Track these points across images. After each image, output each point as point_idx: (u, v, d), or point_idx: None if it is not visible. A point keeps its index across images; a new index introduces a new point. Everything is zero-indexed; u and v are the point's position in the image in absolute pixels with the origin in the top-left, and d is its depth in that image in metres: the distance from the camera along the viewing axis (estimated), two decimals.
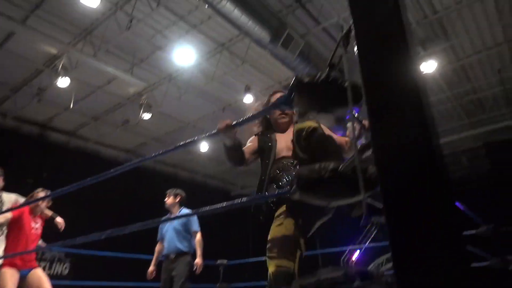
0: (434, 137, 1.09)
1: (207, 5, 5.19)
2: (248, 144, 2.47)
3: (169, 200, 4.96)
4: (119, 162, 10.60)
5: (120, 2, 6.31)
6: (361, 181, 1.25)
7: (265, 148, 2.36)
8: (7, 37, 6.82)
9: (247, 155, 2.38)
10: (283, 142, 2.35)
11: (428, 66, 7.40)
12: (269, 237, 2.01)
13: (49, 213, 4.45)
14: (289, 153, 2.28)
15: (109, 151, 10.91)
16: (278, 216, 2.05)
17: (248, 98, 7.94)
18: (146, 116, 8.75)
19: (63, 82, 7.37)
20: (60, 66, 7.22)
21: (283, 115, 2.46)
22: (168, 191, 5.04)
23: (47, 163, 9.24)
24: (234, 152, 2.25)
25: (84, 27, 6.82)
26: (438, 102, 9.65)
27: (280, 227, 1.98)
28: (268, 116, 2.55)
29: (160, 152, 2.15)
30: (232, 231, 11.57)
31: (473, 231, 4.25)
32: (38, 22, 6.54)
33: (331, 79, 1.72)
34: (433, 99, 9.42)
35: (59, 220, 4.41)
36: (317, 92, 1.71)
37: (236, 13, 5.25)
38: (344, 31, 1.79)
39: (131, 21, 6.33)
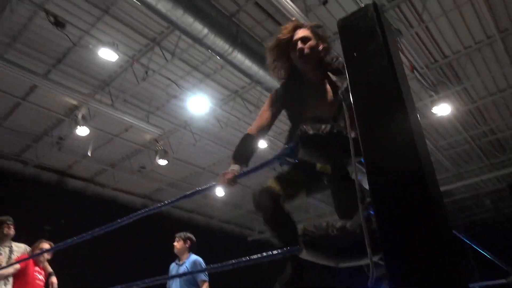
0: (432, 186, 1.08)
1: (218, 56, 5.39)
2: (263, 113, 2.12)
3: (178, 244, 4.60)
4: (136, 207, 10.64)
5: (136, 55, 6.62)
6: (369, 243, 1.21)
7: (288, 107, 2.09)
8: (30, 90, 7.18)
9: (262, 136, 2.14)
10: (314, 97, 2.01)
11: (442, 109, 7.35)
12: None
13: (48, 268, 4.45)
14: (321, 110, 1.96)
15: (126, 196, 11.00)
16: (291, 170, 2.12)
17: (262, 143, 7.99)
18: (162, 162, 8.86)
19: (82, 131, 7.60)
20: (80, 116, 7.49)
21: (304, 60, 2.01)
22: (177, 235, 4.67)
23: (65, 210, 9.34)
24: None
25: (103, 78, 7.14)
26: (456, 144, 9.51)
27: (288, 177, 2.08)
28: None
29: (177, 198, 2.13)
30: (249, 281, 11.21)
31: (503, 280, 3.98)
32: (60, 75, 6.88)
33: (336, 132, 1.73)
34: (450, 141, 9.29)
35: (53, 280, 4.39)
36: (322, 144, 1.72)
37: (247, 63, 5.42)
38: (344, 86, 1.82)
39: (146, 73, 6.60)
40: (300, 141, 1.71)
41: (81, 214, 8.80)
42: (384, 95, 1.30)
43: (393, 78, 1.32)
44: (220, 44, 5.07)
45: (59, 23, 5.15)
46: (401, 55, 6.54)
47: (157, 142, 8.85)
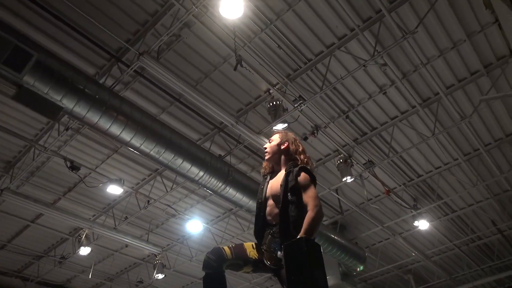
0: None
1: (212, 192, 6.05)
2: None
3: None
4: None
5: (140, 183, 7.31)
6: None
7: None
8: (37, 216, 7.77)
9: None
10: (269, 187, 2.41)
11: (422, 224, 7.93)
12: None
13: None
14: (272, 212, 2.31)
15: None
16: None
17: None
18: (160, 276, 9.06)
19: (84, 250, 8.01)
20: (84, 236, 7.96)
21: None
22: None
23: None
24: None
25: (108, 202, 7.75)
26: (446, 249, 9.79)
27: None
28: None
29: None
30: None
31: None
32: (68, 201, 7.52)
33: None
34: (442, 248, 9.57)
35: None
36: None
37: (238, 195, 6.06)
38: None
39: (148, 202, 7.23)
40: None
41: None
42: None
43: None
44: (214, 182, 5.75)
45: (74, 167, 5.90)
46: (376, 180, 7.27)
47: (156, 256, 9.16)
